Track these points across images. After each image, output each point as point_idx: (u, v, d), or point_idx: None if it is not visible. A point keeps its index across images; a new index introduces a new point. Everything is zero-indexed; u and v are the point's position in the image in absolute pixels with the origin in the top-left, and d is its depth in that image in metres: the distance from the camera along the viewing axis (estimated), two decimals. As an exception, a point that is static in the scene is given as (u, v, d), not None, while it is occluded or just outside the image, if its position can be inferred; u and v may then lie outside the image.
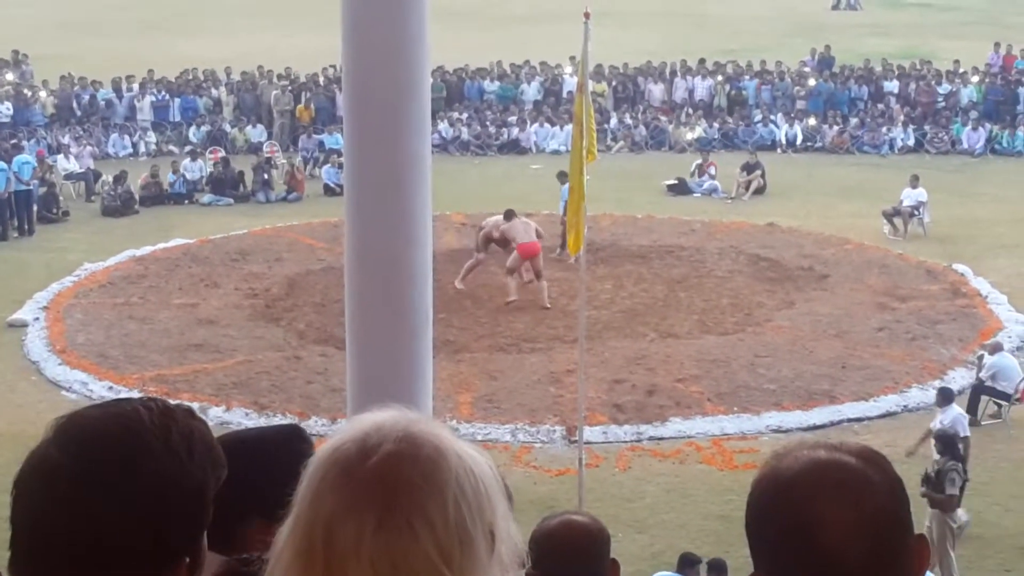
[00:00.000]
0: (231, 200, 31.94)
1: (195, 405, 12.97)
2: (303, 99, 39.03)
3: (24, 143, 32.91)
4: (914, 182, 28.90)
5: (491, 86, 41.29)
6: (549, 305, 22.69)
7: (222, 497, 2.19)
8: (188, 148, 35.59)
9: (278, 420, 16.95)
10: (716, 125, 38.58)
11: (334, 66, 36.54)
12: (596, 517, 4.58)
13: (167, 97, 39.17)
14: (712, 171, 33.13)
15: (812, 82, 41.13)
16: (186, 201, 31.98)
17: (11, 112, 37.23)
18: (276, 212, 30.67)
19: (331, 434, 2.02)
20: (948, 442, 14.98)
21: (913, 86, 40.46)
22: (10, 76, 41.29)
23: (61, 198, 31.09)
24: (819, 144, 37.79)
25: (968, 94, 40.02)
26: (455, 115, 38.51)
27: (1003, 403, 18.86)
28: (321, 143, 36.00)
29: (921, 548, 2.21)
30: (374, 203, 7.87)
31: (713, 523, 15.39)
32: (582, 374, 15.50)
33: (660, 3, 60.57)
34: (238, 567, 2.83)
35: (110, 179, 31.50)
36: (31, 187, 29.38)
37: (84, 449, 2.06)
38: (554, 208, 26.28)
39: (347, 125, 8.11)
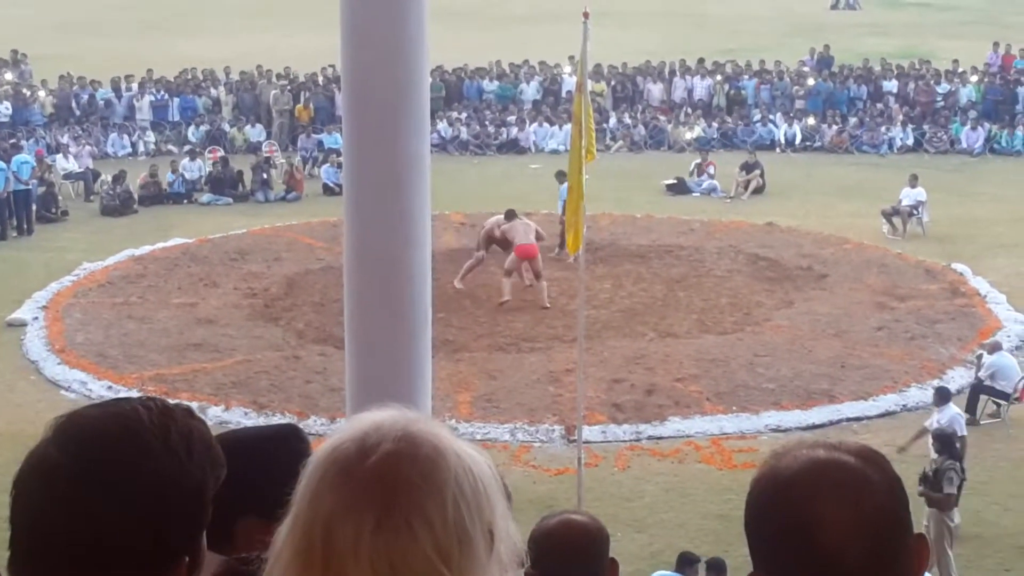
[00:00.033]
0: (230, 200, 31.93)
1: (194, 404, 12.99)
2: (302, 99, 39.01)
3: (23, 143, 32.90)
4: (913, 181, 28.90)
5: (490, 86, 41.28)
6: (548, 305, 22.69)
7: (219, 496, 2.19)
8: (187, 148, 35.58)
9: (277, 420, 16.94)
10: (715, 125, 38.59)
11: (333, 66, 36.53)
12: (595, 516, 4.57)
13: (166, 97, 39.16)
14: (711, 171, 33.14)
15: (811, 82, 41.13)
16: (185, 201, 31.97)
17: (10, 112, 37.22)
18: (275, 212, 30.66)
19: (330, 433, 2.02)
20: (946, 441, 14.99)
21: (912, 86, 40.48)
22: (9, 76, 41.29)
23: (60, 198, 31.08)
24: (818, 144, 37.79)
25: (967, 94, 40.04)
26: (454, 115, 38.50)
27: (1002, 402, 18.86)
28: (320, 143, 36.00)
29: (920, 548, 2.21)
30: (373, 203, 7.87)
31: (712, 522, 15.39)
32: (581, 373, 15.50)
33: (659, 3, 60.59)
34: (237, 566, 2.83)
35: (109, 179, 31.50)
36: (30, 187, 29.38)
37: (83, 449, 2.05)
38: (553, 208, 26.29)
39: (346, 125, 8.11)
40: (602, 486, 16.35)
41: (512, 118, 38.41)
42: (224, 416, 17.90)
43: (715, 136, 37.88)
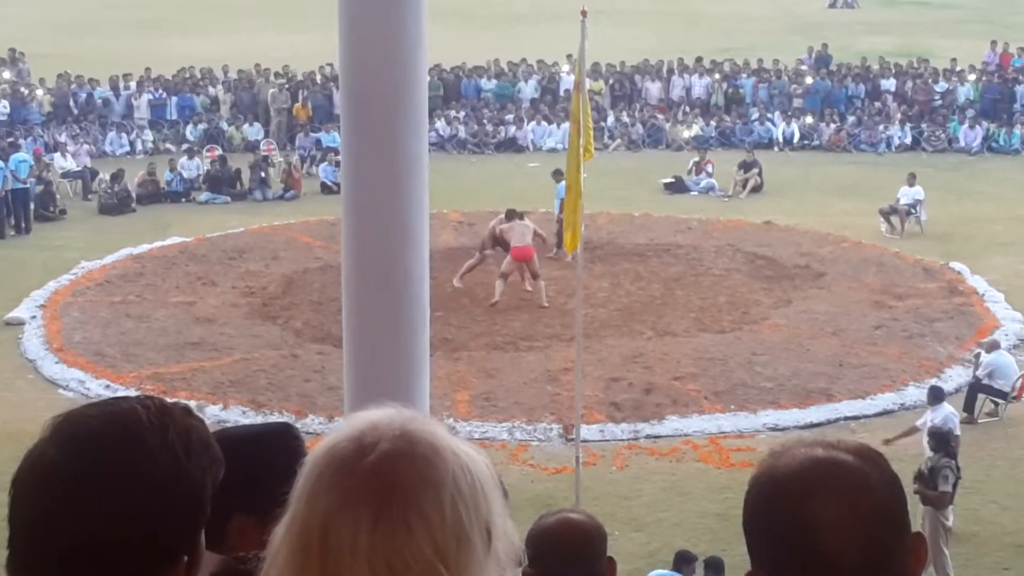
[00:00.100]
0: (228, 198, 31.91)
1: (192, 403, 12.98)
2: (300, 97, 38.99)
3: (21, 141, 32.86)
4: (911, 180, 28.91)
5: (488, 84, 41.26)
6: (547, 304, 22.69)
7: (213, 494, 2.19)
8: (185, 146, 35.55)
9: (275, 418, 16.93)
10: (713, 123, 38.59)
11: (331, 64, 36.53)
12: (593, 515, 4.58)
13: (164, 95, 39.13)
14: (709, 169, 33.13)
15: (809, 80, 41.13)
16: (183, 199, 31.94)
17: (8, 110, 37.19)
18: (273, 210, 30.65)
19: (328, 432, 2.02)
20: (942, 439, 14.99)
21: (910, 84, 40.49)
22: (7, 74, 41.25)
23: (58, 196, 31.05)
24: (816, 142, 37.80)
25: (965, 92, 40.05)
26: (452, 113, 38.48)
27: (1000, 401, 18.88)
28: (318, 141, 35.96)
29: (918, 546, 2.21)
30: (371, 201, 7.88)
31: (710, 521, 15.39)
32: (579, 372, 15.49)
33: (657, 1, 60.60)
34: (235, 565, 2.83)
35: (107, 177, 31.48)
36: (28, 185, 29.37)
37: (81, 448, 2.05)
38: (551, 206, 26.28)
39: (344, 123, 8.12)
40: (600, 485, 16.35)
41: (510, 117, 38.40)
42: (222, 415, 17.89)
43: (713, 135, 37.88)
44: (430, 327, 8.24)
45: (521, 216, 23.38)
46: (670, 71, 41.93)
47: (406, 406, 2.00)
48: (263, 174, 32.65)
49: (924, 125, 38.27)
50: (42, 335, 21.79)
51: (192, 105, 39.11)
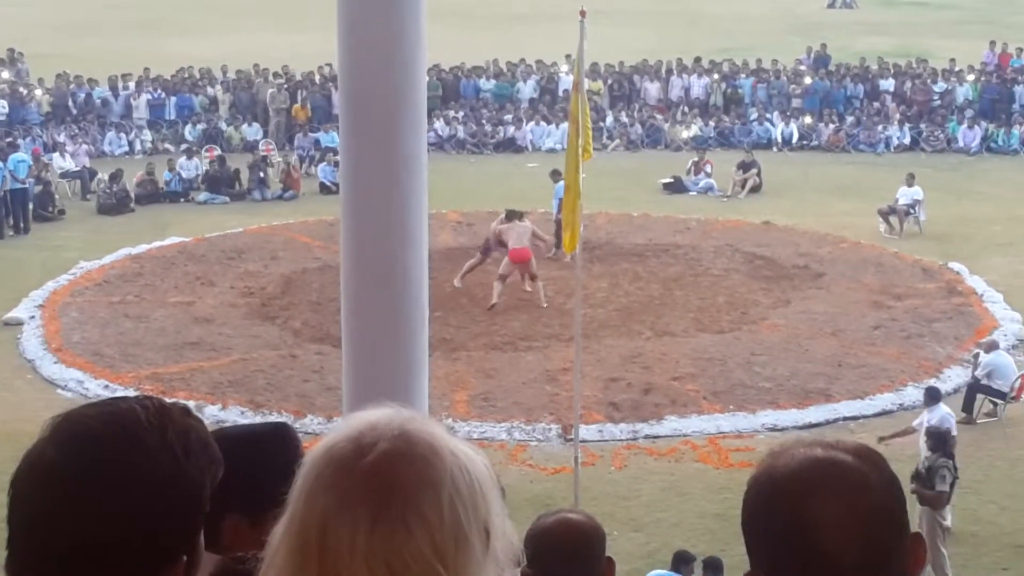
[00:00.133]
0: (227, 198, 31.90)
1: (191, 403, 12.99)
2: (299, 98, 38.98)
3: (20, 141, 32.85)
4: (910, 180, 28.92)
5: (487, 84, 41.25)
6: (545, 304, 22.69)
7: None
8: (184, 146, 35.54)
9: (274, 419, 16.92)
10: (712, 123, 38.59)
11: (330, 64, 36.53)
12: (592, 515, 4.58)
13: (163, 95, 39.12)
14: (708, 169, 33.14)
15: (808, 80, 41.11)
16: (182, 199, 31.93)
17: (7, 110, 37.15)
18: (272, 210, 30.64)
19: (326, 432, 2.02)
20: (939, 439, 15.00)
21: (909, 84, 40.49)
22: (6, 74, 41.24)
23: (57, 196, 31.04)
24: (815, 142, 37.80)
25: (964, 92, 40.07)
26: (451, 113, 38.47)
27: (999, 401, 18.88)
28: (317, 141, 35.95)
29: (917, 547, 2.21)
30: (370, 201, 7.88)
31: (709, 521, 15.40)
32: (578, 372, 15.50)
33: (656, 2, 60.62)
34: (233, 566, 2.83)
35: (106, 177, 31.46)
36: (27, 185, 29.36)
37: (80, 448, 2.05)
38: (550, 207, 26.27)
39: (343, 123, 8.12)
40: (599, 485, 16.35)
41: (509, 117, 38.40)
42: (221, 415, 17.89)
43: (712, 135, 37.88)
44: (429, 327, 8.24)
45: (521, 216, 23.36)
46: (669, 71, 41.93)
47: (404, 406, 2.01)
48: (262, 174, 32.64)
49: (923, 125, 38.28)
50: (41, 335, 21.79)
51: (191, 105, 39.10)
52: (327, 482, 1.91)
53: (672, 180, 32.77)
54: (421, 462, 1.91)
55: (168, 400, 2.22)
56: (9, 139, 32.58)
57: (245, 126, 37.78)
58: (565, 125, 27.63)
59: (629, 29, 50.54)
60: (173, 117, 38.77)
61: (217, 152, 34.58)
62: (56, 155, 33.42)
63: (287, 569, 1.91)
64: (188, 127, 37.75)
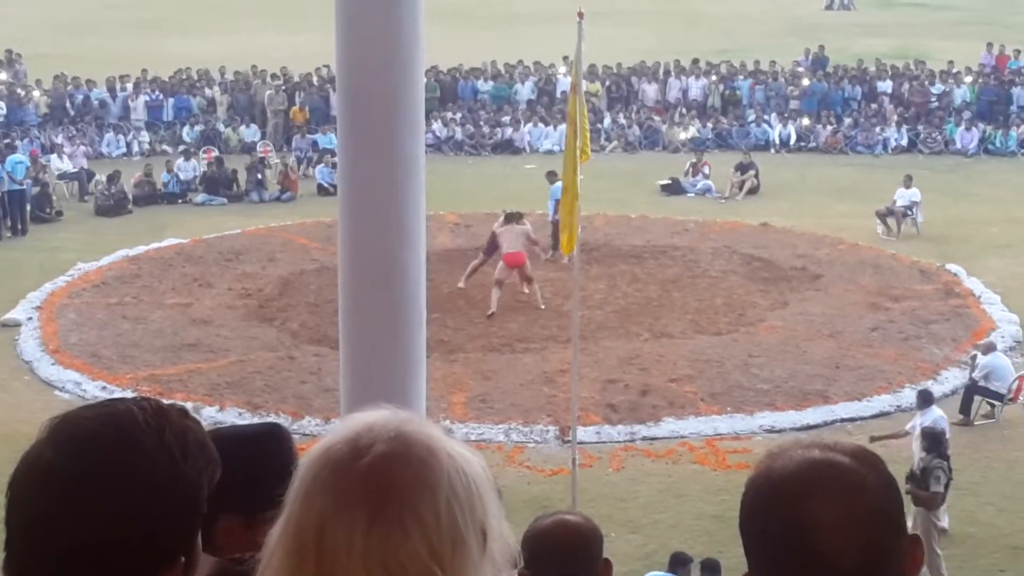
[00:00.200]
0: (224, 200, 31.90)
1: (188, 405, 12.98)
2: (297, 99, 38.97)
3: (17, 143, 32.85)
4: (907, 182, 28.93)
5: (485, 86, 41.26)
6: (543, 305, 22.69)
7: (205, 495, 2.19)
8: (182, 148, 35.53)
9: (272, 420, 16.91)
10: (710, 125, 38.60)
11: (328, 66, 36.54)
12: (589, 517, 4.58)
13: (161, 97, 39.12)
14: (706, 171, 33.14)
15: (806, 82, 41.12)
16: (179, 201, 31.93)
17: (4, 112, 37.16)
18: (270, 212, 30.64)
19: (324, 434, 2.02)
20: (934, 439, 15.00)
21: (907, 86, 40.49)
22: (3, 75, 41.23)
23: (54, 198, 31.04)
24: (813, 144, 37.82)
25: (961, 94, 40.07)
26: (449, 115, 38.48)
27: (996, 403, 18.88)
28: (315, 143, 35.95)
29: (914, 548, 2.21)
30: (368, 203, 7.88)
31: (706, 523, 15.40)
32: (575, 374, 15.49)
33: (654, 3, 60.62)
34: (231, 567, 2.83)
35: (103, 179, 31.46)
36: (24, 187, 29.34)
37: (78, 449, 2.05)
38: (546, 208, 26.25)
39: (341, 125, 8.12)
40: (596, 487, 16.35)
41: (507, 118, 38.41)
42: (219, 416, 17.88)
43: (710, 136, 37.88)
44: (427, 329, 8.23)
45: (520, 217, 23.36)
46: (667, 73, 41.95)
47: (402, 408, 2.01)
48: (259, 176, 32.63)
49: (920, 127, 38.29)
50: (38, 337, 21.78)
51: (189, 106, 39.10)
52: (324, 483, 1.91)
53: (670, 182, 32.77)
54: (418, 464, 1.91)
55: (165, 402, 2.22)
56: (7, 140, 32.56)
57: (243, 127, 37.78)
58: (563, 127, 27.67)
59: (627, 30, 50.55)
60: (171, 118, 38.76)
61: (215, 153, 34.57)
62: (54, 156, 33.43)
63: (284, 570, 1.92)
64: (186, 128, 37.75)
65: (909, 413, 18.10)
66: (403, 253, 7.86)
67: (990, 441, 18.19)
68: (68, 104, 38.75)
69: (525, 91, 40.99)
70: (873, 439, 15.90)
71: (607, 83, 40.87)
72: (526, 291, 22.97)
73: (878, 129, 37.87)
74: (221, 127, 37.84)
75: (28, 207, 29.41)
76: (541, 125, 37.95)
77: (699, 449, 17.68)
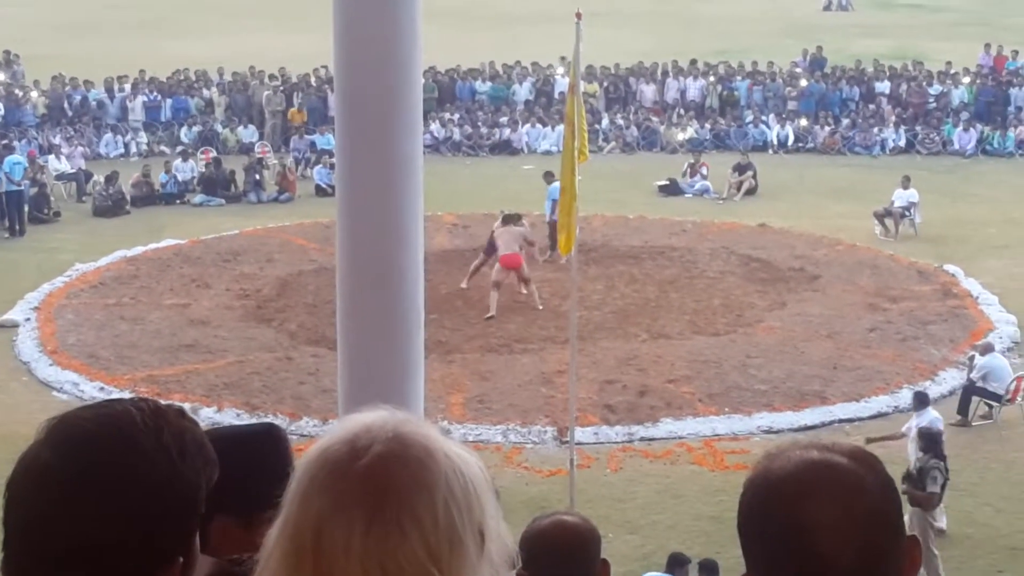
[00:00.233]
0: (222, 200, 31.90)
1: (186, 406, 12.98)
2: (295, 100, 38.97)
3: (15, 143, 32.84)
4: (905, 183, 28.94)
5: (483, 87, 41.26)
6: (541, 306, 22.69)
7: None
8: (179, 148, 35.55)
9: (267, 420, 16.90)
10: (708, 126, 38.61)
11: (326, 67, 36.52)
12: (587, 518, 4.58)
13: (159, 97, 39.11)
14: (704, 172, 33.14)
15: (804, 83, 41.13)
16: (177, 201, 31.93)
17: (2, 112, 37.17)
18: (267, 213, 30.63)
19: (322, 435, 2.02)
20: (931, 440, 15.01)
21: (904, 87, 40.50)
22: (1, 76, 41.23)
23: (52, 198, 31.01)
24: (810, 145, 37.83)
25: (959, 95, 40.08)
26: (447, 116, 38.49)
27: (994, 404, 18.89)
28: (313, 144, 35.94)
29: (913, 549, 2.21)
30: (366, 204, 7.88)
31: (704, 524, 15.40)
32: (573, 375, 15.48)
33: (652, 4, 60.61)
34: (229, 568, 2.83)
35: (101, 179, 31.46)
36: (22, 187, 29.32)
37: (76, 450, 2.05)
38: (544, 209, 26.22)
39: (339, 126, 8.12)
40: (594, 487, 16.35)
41: (505, 119, 38.42)
42: (216, 417, 17.87)
43: (708, 137, 37.88)
44: (424, 330, 8.23)
45: (519, 219, 23.36)
46: (664, 73, 41.95)
47: (399, 409, 2.01)
48: (257, 176, 32.62)
49: (918, 128, 38.29)
50: (36, 337, 21.78)
51: (187, 107, 39.09)
52: (322, 484, 1.91)
53: (668, 182, 32.79)
54: (416, 464, 1.91)
55: (163, 402, 2.22)
56: (5, 141, 32.54)
57: (241, 128, 37.77)
58: (561, 127, 27.63)
59: (625, 31, 50.55)
60: (169, 119, 38.74)
61: (213, 154, 34.57)
62: (52, 157, 33.44)
63: (282, 571, 1.92)
64: (184, 129, 37.73)
65: (907, 414, 18.10)
66: (401, 254, 7.86)
67: (988, 442, 18.20)
68: (66, 105, 38.73)
69: (523, 92, 40.99)
70: (869, 441, 15.89)
71: (605, 84, 40.86)
72: (524, 292, 22.97)
73: (876, 130, 37.88)
74: (219, 128, 37.82)
75: (26, 208, 29.39)
76: (539, 126, 37.96)
77: (697, 450, 17.69)
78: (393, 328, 7.90)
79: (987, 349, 19.61)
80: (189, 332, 21.84)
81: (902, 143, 37.60)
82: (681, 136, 37.91)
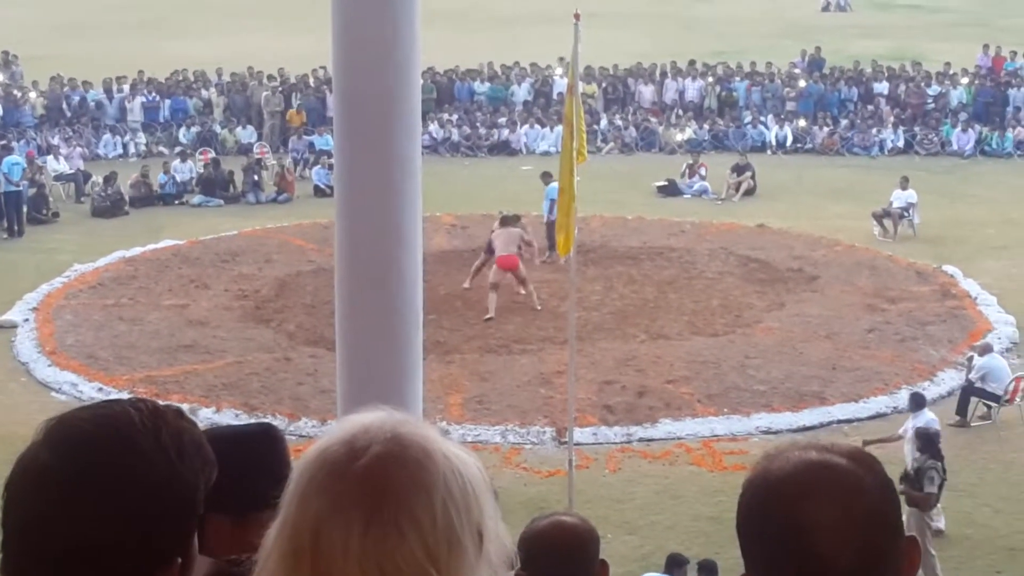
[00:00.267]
0: (221, 201, 31.90)
1: (185, 406, 12.98)
2: (293, 101, 38.97)
3: (14, 144, 32.82)
4: (904, 183, 28.95)
5: (481, 87, 41.27)
6: (539, 307, 22.69)
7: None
8: (178, 149, 35.55)
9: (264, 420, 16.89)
10: (706, 126, 38.61)
11: (324, 67, 36.54)
12: (586, 518, 4.58)
13: (157, 98, 39.10)
14: (702, 172, 33.15)
15: (802, 83, 41.15)
16: (176, 202, 31.94)
17: (1, 113, 37.16)
18: (266, 213, 30.63)
19: (320, 435, 2.02)
20: (928, 440, 15.01)
21: (903, 88, 40.51)
22: (0, 77, 41.21)
23: (51, 199, 31.01)
24: (809, 145, 37.84)
25: (958, 96, 40.09)
26: (445, 116, 38.49)
27: (992, 405, 18.89)
28: (311, 144, 35.95)
29: (911, 550, 2.21)
30: (364, 204, 7.88)
31: (703, 524, 15.40)
32: (572, 375, 15.47)
33: (650, 4, 60.58)
34: (227, 568, 2.83)
35: (100, 180, 31.46)
36: (21, 188, 29.32)
37: (74, 451, 2.05)
38: (541, 210, 26.20)
39: (337, 126, 8.13)
40: (593, 488, 16.35)
41: (503, 120, 38.42)
42: (215, 418, 17.86)
43: (706, 138, 37.88)
44: (423, 330, 8.23)
45: (517, 220, 23.37)
46: (663, 74, 41.95)
47: (398, 409, 2.00)
48: (256, 177, 32.62)
49: (917, 128, 38.31)
50: (35, 338, 21.77)
51: (185, 108, 39.09)
52: (320, 485, 1.91)
53: (666, 183, 32.79)
54: (414, 465, 1.91)
55: (162, 403, 2.21)
56: (3, 142, 32.52)
57: (239, 129, 37.78)
58: (559, 128, 27.62)
59: (623, 32, 50.52)
60: (168, 120, 38.73)
61: (211, 155, 34.58)
62: (50, 158, 33.44)
63: (280, 572, 1.91)
64: (182, 130, 37.73)
65: (905, 415, 18.12)
66: (399, 254, 7.86)
67: (986, 442, 18.20)
68: (64, 105, 38.73)
69: (521, 92, 41.00)
70: (866, 443, 15.88)
71: (603, 84, 40.85)
72: (522, 292, 22.97)
73: (874, 130, 37.89)
74: (218, 128, 37.82)
75: (24, 208, 29.39)
76: (537, 126, 37.96)
77: (696, 450, 17.68)
78: (392, 329, 7.90)
79: (986, 350, 19.61)
80: (188, 333, 21.83)
81: (900, 144, 37.61)
82: (680, 137, 37.91)
